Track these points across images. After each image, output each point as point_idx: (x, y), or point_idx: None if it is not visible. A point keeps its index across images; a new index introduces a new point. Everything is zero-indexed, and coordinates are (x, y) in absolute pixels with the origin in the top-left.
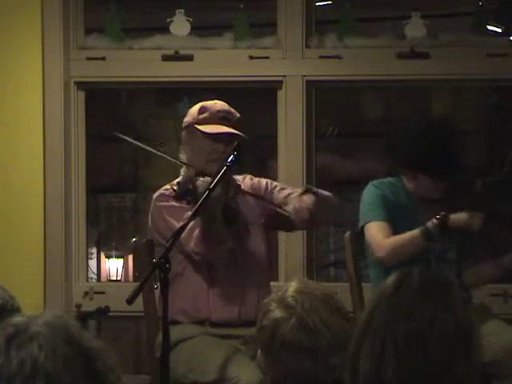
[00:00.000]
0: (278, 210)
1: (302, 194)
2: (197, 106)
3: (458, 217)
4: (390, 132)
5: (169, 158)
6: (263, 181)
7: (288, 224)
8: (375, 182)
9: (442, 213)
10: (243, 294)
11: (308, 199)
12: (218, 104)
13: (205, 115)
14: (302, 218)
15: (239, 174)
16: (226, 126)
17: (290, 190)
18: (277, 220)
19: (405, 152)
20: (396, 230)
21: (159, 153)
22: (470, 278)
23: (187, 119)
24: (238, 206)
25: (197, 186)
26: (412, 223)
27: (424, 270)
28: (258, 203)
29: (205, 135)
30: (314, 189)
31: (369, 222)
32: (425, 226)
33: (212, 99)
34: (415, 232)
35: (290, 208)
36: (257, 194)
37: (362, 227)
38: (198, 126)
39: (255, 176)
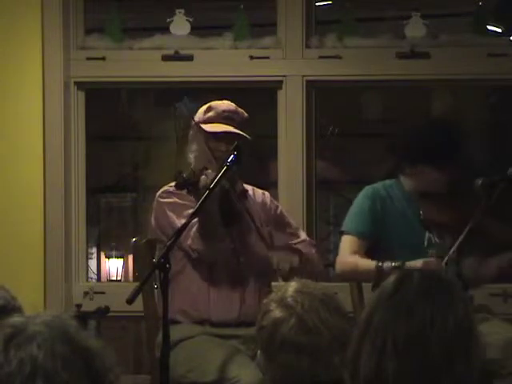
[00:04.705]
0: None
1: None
2: (204, 106)
3: (415, 264)
4: (391, 133)
5: None
6: (274, 203)
7: None
8: (370, 188)
9: (397, 263)
10: (243, 294)
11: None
12: (224, 103)
13: (210, 114)
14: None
15: (253, 183)
16: (230, 125)
17: (293, 228)
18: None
19: (406, 144)
20: (392, 235)
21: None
22: (472, 276)
23: (195, 118)
24: (242, 207)
25: (199, 178)
26: (409, 228)
27: (424, 270)
28: (265, 212)
29: (207, 134)
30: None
31: (345, 232)
32: (381, 265)
33: (221, 99)
34: (371, 265)
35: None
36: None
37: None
38: (202, 125)
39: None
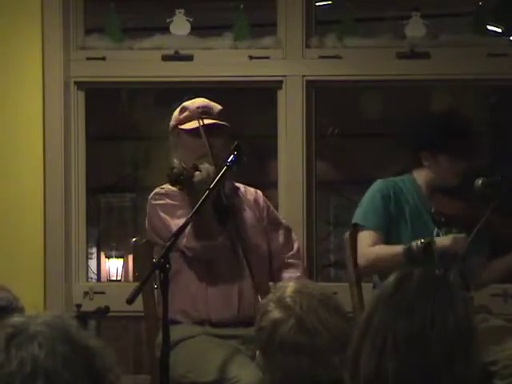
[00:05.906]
0: None
1: None
2: (178, 108)
3: (443, 240)
4: (391, 133)
5: None
6: (266, 202)
7: None
8: (381, 181)
9: (426, 240)
10: (242, 294)
11: None
12: (197, 101)
13: (185, 114)
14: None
15: (247, 183)
16: (209, 119)
17: (285, 229)
18: None
19: (422, 133)
20: (404, 228)
21: None
22: (480, 275)
23: (171, 123)
24: (235, 205)
25: (193, 174)
26: (420, 222)
27: (424, 269)
28: (258, 210)
29: (187, 132)
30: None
31: (361, 227)
32: (408, 246)
33: (192, 98)
34: (398, 249)
35: None
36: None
37: (355, 225)
38: (180, 126)
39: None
